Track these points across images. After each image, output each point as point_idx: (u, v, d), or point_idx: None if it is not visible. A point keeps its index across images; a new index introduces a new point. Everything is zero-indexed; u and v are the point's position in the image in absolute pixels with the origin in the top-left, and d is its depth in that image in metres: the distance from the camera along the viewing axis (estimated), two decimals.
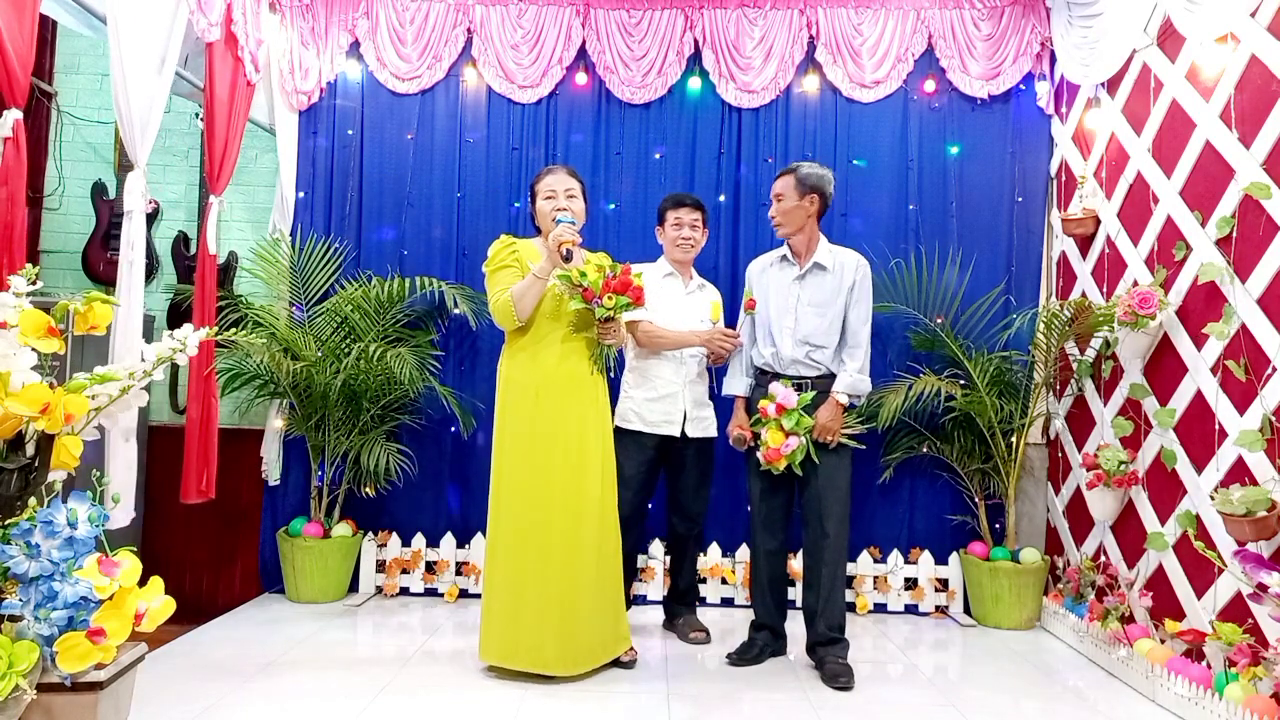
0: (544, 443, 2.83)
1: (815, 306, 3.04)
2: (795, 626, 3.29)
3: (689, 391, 3.31)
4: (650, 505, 3.50)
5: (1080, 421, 3.62)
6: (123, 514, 2.98)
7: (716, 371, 3.45)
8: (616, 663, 2.96)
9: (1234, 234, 2.74)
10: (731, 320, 3.57)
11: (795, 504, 3.15)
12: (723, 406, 3.42)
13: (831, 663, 2.92)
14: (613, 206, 4.03)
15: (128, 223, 3.00)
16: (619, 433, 3.25)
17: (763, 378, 3.14)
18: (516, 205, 4.04)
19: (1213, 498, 2.63)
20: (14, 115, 2.49)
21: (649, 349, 3.31)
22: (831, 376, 3.05)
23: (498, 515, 2.88)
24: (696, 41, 4.02)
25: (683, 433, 3.29)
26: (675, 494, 3.46)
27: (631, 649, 3.00)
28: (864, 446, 3.10)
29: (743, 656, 3.11)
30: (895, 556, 3.87)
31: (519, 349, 2.93)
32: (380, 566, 3.93)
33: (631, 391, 3.35)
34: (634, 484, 3.26)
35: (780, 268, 3.15)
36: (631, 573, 3.49)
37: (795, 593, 3.63)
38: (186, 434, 3.38)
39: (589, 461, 2.86)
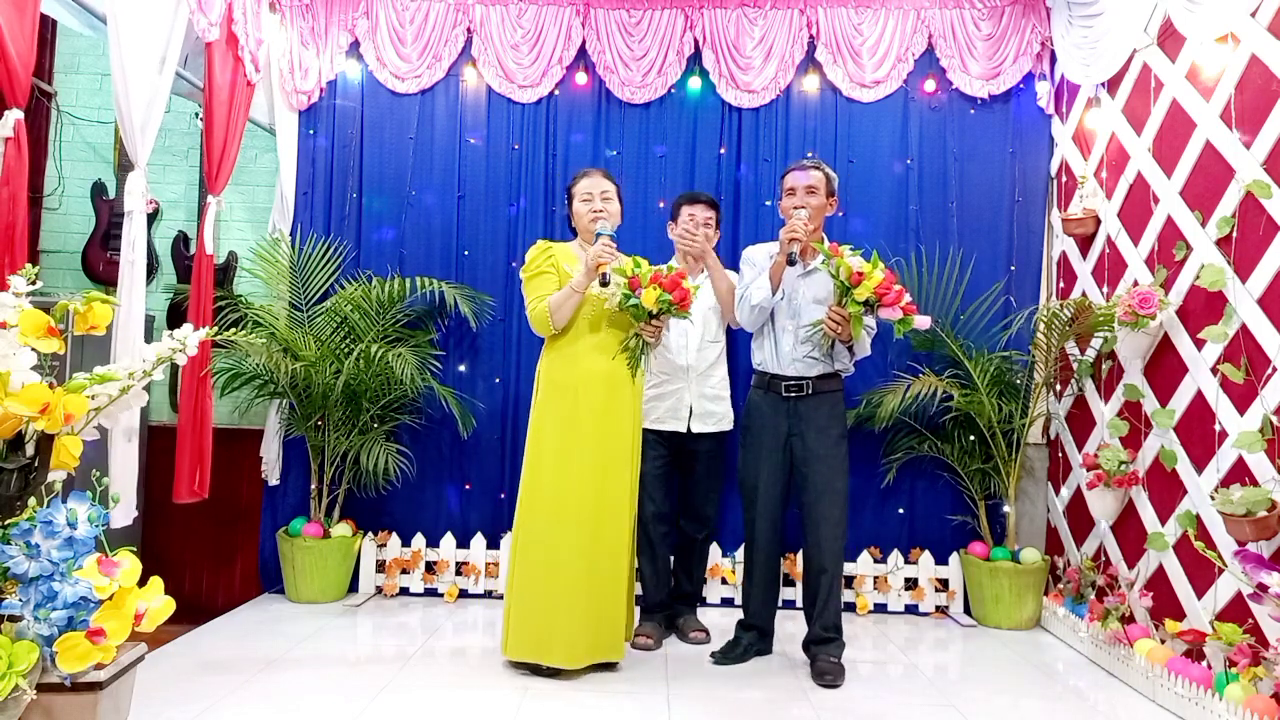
0: (589, 442, 2.84)
1: (819, 304, 3.00)
2: (788, 627, 3.31)
3: (696, 386, 3.30)
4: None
5: (1080, 421, 3.62)
6: (122, 514, 2.98)
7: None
8: (607, 665, 2.95)
9: (1234, 234, 2.74)
10: None
11: (791, 502, 3.14)
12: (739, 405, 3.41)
13: (822, 660, 2.93)
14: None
15: (128, 223, 3.00)
16: None
17: (760, 379, 3.13)
18: (513, 206, 4.03)
19: (1213, 498, 2.63)
20: (15, 115, 2.49)
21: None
22: (830, 376, 3.04)
23: (533, 513, 2.85)
24: (696, 41, 4.02)
25: (689, 428, 3.28)
26: (685, 494, 3.43)
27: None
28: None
29: (727, 655, 3.12)
30: (895, 556, 3.87)
31: (559, 350, 2.93)
32: (380, 566, 3.93)
33: (645, 390, 3.36)
34: (648, 483, 3.23)
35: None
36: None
37: (792, 593, 3.65)
38: (179, 434, 3.38)
39: (620, 463, 2.89)
